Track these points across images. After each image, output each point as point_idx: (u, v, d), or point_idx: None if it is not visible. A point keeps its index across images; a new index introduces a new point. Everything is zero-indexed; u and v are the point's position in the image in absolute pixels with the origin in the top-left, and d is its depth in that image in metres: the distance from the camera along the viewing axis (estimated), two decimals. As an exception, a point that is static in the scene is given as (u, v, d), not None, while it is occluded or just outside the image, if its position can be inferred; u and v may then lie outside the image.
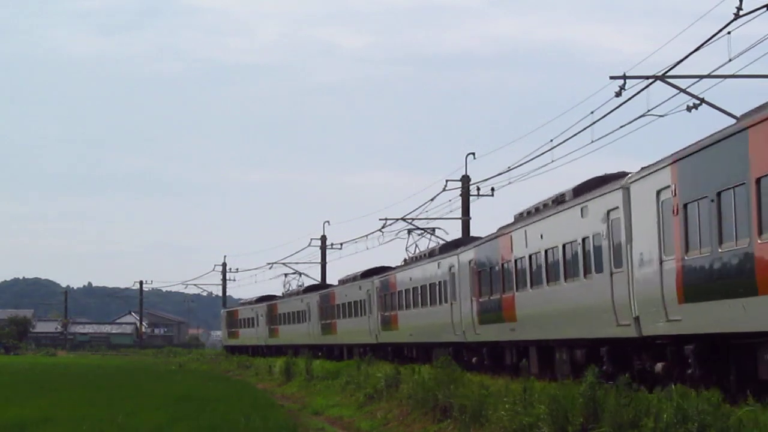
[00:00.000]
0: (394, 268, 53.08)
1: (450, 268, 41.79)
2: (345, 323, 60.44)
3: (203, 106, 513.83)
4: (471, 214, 56.77)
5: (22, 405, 30.64)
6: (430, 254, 47.59)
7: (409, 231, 64.52)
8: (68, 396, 35.45)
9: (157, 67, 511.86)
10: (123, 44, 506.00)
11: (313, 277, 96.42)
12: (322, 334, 65.96)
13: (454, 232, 59.75)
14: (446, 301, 42.06)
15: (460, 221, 56.95)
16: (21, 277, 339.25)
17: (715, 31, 27.92)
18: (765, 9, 26.96)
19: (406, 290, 48.82)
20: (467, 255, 39.65)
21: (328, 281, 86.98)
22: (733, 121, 22.67)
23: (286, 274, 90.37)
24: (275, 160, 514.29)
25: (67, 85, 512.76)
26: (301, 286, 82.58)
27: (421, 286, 46.14)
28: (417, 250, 59.66)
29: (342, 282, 63.91)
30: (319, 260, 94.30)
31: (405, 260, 57.99)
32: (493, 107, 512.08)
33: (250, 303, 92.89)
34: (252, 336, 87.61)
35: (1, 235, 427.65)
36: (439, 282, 43.16)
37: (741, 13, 27.15)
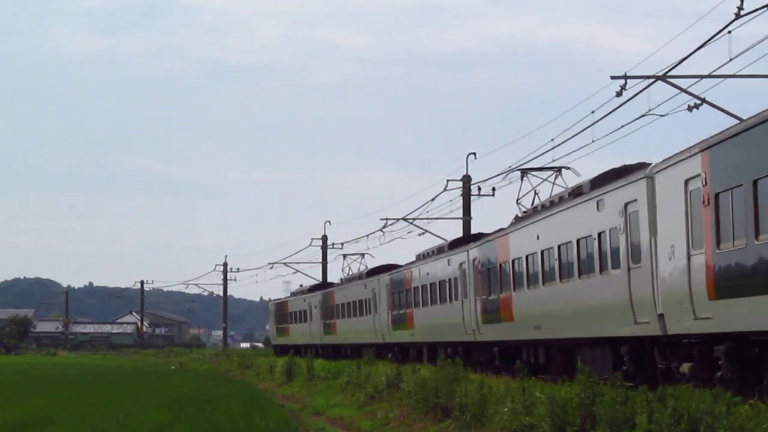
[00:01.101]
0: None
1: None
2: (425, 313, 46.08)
3: (203, 106, 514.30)
4: (472, 214, 56.82)
5: (22, 405, 30.64)
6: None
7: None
8: (68, 396, 35.44)
9: (157, 67, 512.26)
10: (123, 44, 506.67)
11: (314, 276, 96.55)
12: (394, 329, 50.96)
13: (454, 232, 59.70)
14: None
15: (461, 221, 56.96)
16: (22, 277, 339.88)
17: (716, 31, 27.90)
18: (766, 9, 26.93)
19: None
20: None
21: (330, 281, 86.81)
22: (736, 121, 22.65)
23: (345, 255, 75.49)
24: (275, 160, 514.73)
25: (67, 85, 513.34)
26: (363, 269, 67.13)
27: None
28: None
29: (423, 256, 48.48)
30: (320, 260, 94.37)
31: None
32: (493, 107, 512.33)
33: (302, 292, 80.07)
34: (304, 333, 74.80)
35: (2, 235, 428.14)
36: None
37: (742, 13, 27.13)
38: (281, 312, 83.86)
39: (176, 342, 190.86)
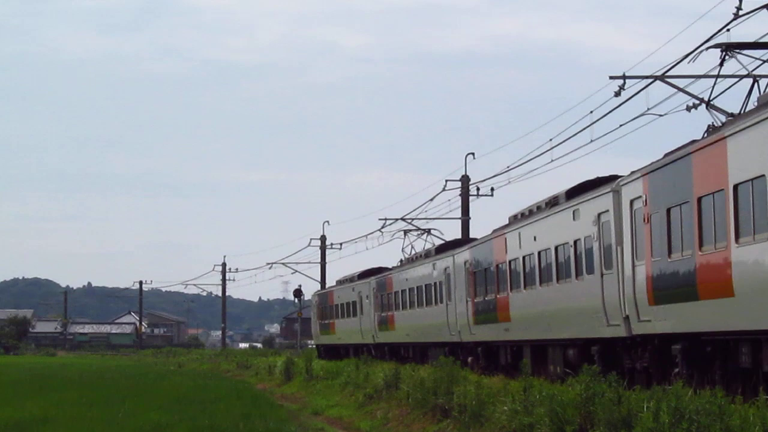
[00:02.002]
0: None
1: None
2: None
3: (203, 106, 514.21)
4: (470, 214, 56.84)
5: (21, 405, 30.63)
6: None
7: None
8: (68, 396, 35.44)
9: (157, 67, 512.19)
10: (123, 44, 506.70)
11: (313, 277, 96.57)
12: (476, 323, 38.12)
13: (454, 232, 59.73)
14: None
15: (459, 221, 57.00)
16: (21, 277, 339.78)
17: (715, 31, 27.91)
18: (764, 9, 26.94)
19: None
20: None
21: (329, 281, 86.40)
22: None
23: (406, 231, 61.41)
24: (275, 160, 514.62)
25: (67, 85, 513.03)
26: (430, 246, 53.45)
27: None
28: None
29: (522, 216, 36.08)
30: (319, 260, 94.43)
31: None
32: (492, 107, 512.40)
33: (350, 279, 64.50)
34: (353, 330, 61.07)
35: (1, 235, 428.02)
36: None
37: (740, 13, 27.13)
38: (325, 305, 70.02)
39: (175, 342, 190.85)
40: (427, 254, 48.20)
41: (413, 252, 57.52)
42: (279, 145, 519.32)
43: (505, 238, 34.48)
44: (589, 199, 27.91)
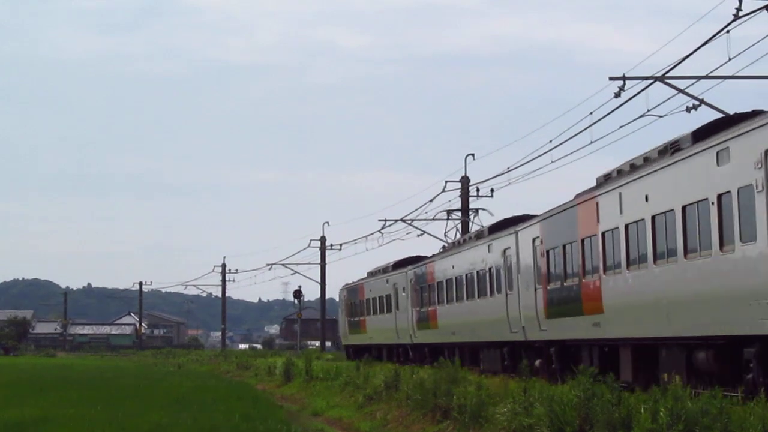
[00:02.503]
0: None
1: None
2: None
3: (203, 106, 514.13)
4: (470, 215, 56.84)
5: (21, 405, 30.63)
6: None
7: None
8: (68, 396, 35.43)
9: (157, 67, 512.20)
10: (123, 44, 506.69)
11: (313, 278, 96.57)
12: (548, 317, 32.02)
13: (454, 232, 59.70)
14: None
15: (459, 222, 57.00)
16: (20, 278, 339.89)
17: (715, 32, 27.94)
18: (764, 9, 26.97)
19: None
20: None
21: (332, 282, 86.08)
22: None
23: (449, 212, 55.51)
24: (275, 160, 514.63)
25: (67, 85, 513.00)
26: (478, 229, 46.10)
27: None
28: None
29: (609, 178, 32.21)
30: (319, 261, 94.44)
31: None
32: (493, 107, 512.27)
33: (384, 270, 56.78)
34: (387, 328, 53.93)
35: (1, 235, 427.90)
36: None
37: (740, 13, 27.17)
38: (355, 300, 62.55)
39: (174, 343, 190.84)
40: (478, 235, 41.06)
41: (458, 236, 50.28)
42: (279, 145, 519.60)
43: (597, 203, 27.50)
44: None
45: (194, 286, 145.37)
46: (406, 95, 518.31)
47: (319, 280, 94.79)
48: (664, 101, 32.14)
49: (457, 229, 52.32)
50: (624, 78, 32.16)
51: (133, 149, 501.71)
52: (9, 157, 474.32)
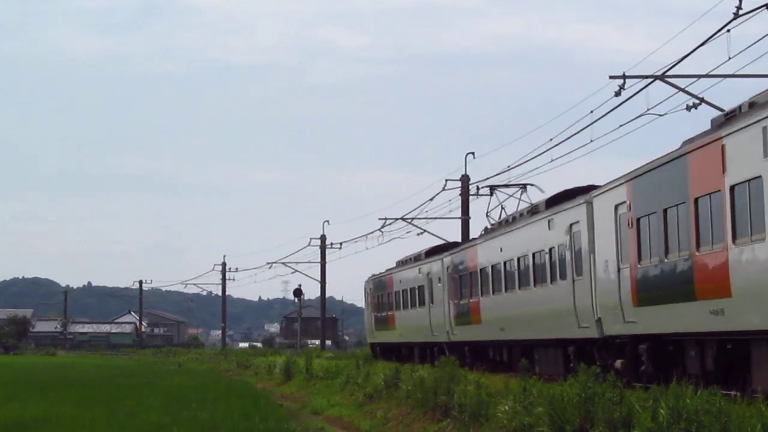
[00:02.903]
0: None
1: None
2: None
3: (203, 106, 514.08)
4: (470, 214, 56.86)
5: (21, 405, 30.62)
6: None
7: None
8: (68, 396, 35.43)
9: (157, 67, 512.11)
10: (123, 44, 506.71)
11: (313, 276, 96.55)
12: (638, 304, 25.57)
13: (454, 232, 59.69)
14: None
15: (459, 221, 57.01)
16: (20, 277, 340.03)
17: (715, 31, 27.92)
18: (764, 8, 26.95)
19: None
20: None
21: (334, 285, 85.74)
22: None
23: (492, 188, 46.71)
24: (274, 160, 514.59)
25: (67, 85, 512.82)
26: (532, 204, 37.16)
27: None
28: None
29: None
30: (319, 260, 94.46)
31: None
32: (493, 107, 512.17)
33: (416, 259, 50.07)
34: (419, 324, 47.16)
35: (1, 235, 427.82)
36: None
37: (740, 12, 27.15)
38: (382, 292, 55.94)
39: (175, 342, 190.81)
40: (532, 211, 34.21)
41: (503, 214, 42.61)
42: (279, 145, 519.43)
43: (723, 146, 20.70)
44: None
45: (194, 284, 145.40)
46: (406, 95, 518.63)
47: (319, 279, 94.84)
48: (664, 100, 32.13)
49: (503, 207, 44.21)
50: (624, 77, 32.15)
51: (133, 149, 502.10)
52: (9, 157, 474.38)
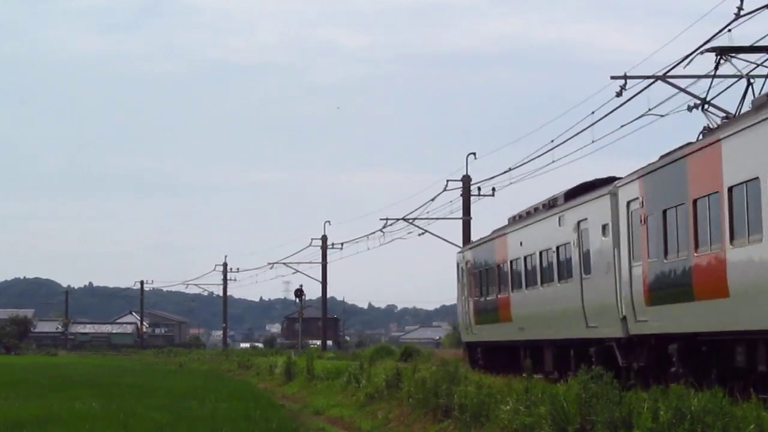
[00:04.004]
0: None
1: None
2: None
3: (203, 106, 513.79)
4: (472, 214, 56.88)
5: (22, 405, 30.64)
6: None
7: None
8: (69, 396, 35.45)
9: (157, 67, 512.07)
10: (123, 43, 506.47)
11: (314, 277, 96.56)
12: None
13: (455, 232, 59.58)
14: None
15: (461, 221, 57.02)
16: (22, 277, 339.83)
17: (716, 31, 27.91)
18: (766, 9, 26.94)
19: None
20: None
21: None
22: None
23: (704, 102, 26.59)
24: (275, 160, 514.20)
25: (67, 85, 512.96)
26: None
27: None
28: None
29: None
30: (320, 260, 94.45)
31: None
32: (493, 107, 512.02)
33: (549, 206, 33.09)
34: (560, 309, 31.17)
35: (2, 235, 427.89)
36: None
37: (742, 13, 27.14)
38: (486, 265, 39.53)
39: (176, 342, 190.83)
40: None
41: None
42: (279, 145, 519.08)
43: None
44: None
45: (196, 285, 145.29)
46: (406, 95, 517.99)
47: (320, 279, 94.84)
48: (666, 100, 32.12)
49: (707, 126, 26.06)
50: (625, 77, 32.14)
51: (133, 149, 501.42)
52: (9, 157, 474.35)
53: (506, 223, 39.01)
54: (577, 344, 30.23)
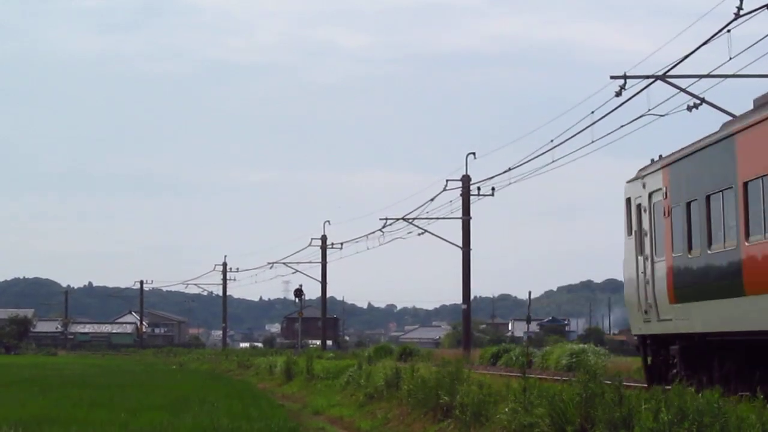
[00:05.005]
0: None
1: None
2: None
3: (203, 106, 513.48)
4: (471, 214, 56.90)
5: (22, 405, 30.63)
6: None
7: None
8: (68, 396, 35.44)
9: (157, 67, 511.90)
10: (123, 43, 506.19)
11: (314, 277, 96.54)
12: None
13: (455, 232, 59.58)
14: None
15: (460, 221, 57.04)
16: (21, 277, 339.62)
17: (716, 31, 27.93)
18: (765, 8, 26.96)
19: None
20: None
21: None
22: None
23: None
24: (275, 160, 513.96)
25: (67, 85, 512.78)
26: None
27: None
28: None
29: None
30: (320, 260, 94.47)
31: None
32: (493, 107, 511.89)
33: None
34: None
35: (2, 235, 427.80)
36: None
37: (741, 12, 27.16)
38: (706, 191, 22.69)
39: (175, 342, 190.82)
40: None
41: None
42: (279, 145, 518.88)
43: None
44: None
45: (195, 284, 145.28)
46: (406, 95, 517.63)
47: (320, 279, 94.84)
48: (665, 100, 32.14)
49: None
50: (625, 77, 32.17)
51: (133, 149, 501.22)
52: (9, 157, 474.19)
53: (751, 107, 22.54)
54: None
